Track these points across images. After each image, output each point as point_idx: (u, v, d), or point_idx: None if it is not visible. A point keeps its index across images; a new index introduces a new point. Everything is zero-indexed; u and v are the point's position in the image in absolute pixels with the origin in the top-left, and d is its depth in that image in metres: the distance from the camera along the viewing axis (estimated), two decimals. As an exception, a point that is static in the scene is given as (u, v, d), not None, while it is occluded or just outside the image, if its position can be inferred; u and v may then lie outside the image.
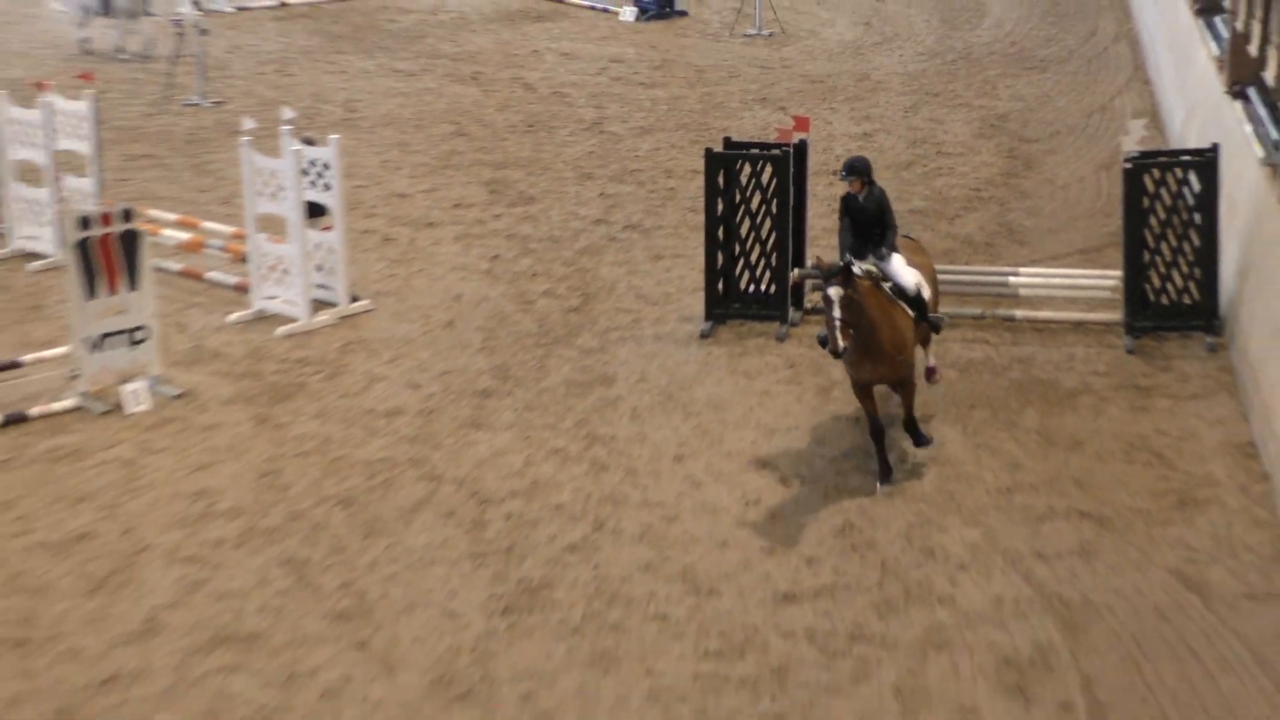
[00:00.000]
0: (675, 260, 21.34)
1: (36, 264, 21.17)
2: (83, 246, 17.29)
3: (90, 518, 15.32)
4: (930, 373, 16.69)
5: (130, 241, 17.54)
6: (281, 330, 19.29)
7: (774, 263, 19.03)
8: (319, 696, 12.72)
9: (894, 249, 15.69)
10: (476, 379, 18.04)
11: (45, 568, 14.52)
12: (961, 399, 17.33)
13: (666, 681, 12.79)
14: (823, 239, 20.48)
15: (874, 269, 15.33)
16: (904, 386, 15.42)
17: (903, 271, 15.54)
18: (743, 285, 19.22)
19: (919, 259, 16.31)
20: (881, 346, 14.96)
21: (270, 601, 13.99)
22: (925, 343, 16.45)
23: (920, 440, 15.76)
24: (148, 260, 17.71)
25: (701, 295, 19.46)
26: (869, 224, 15.57)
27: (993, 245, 21.71)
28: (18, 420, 17.14)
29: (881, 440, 15.36)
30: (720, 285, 19.27)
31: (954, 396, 17.38)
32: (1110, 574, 14.10)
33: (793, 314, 19.14)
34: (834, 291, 14.42)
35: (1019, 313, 19.26)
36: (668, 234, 22.27)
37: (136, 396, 17.49)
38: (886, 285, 15.31)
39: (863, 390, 15.32)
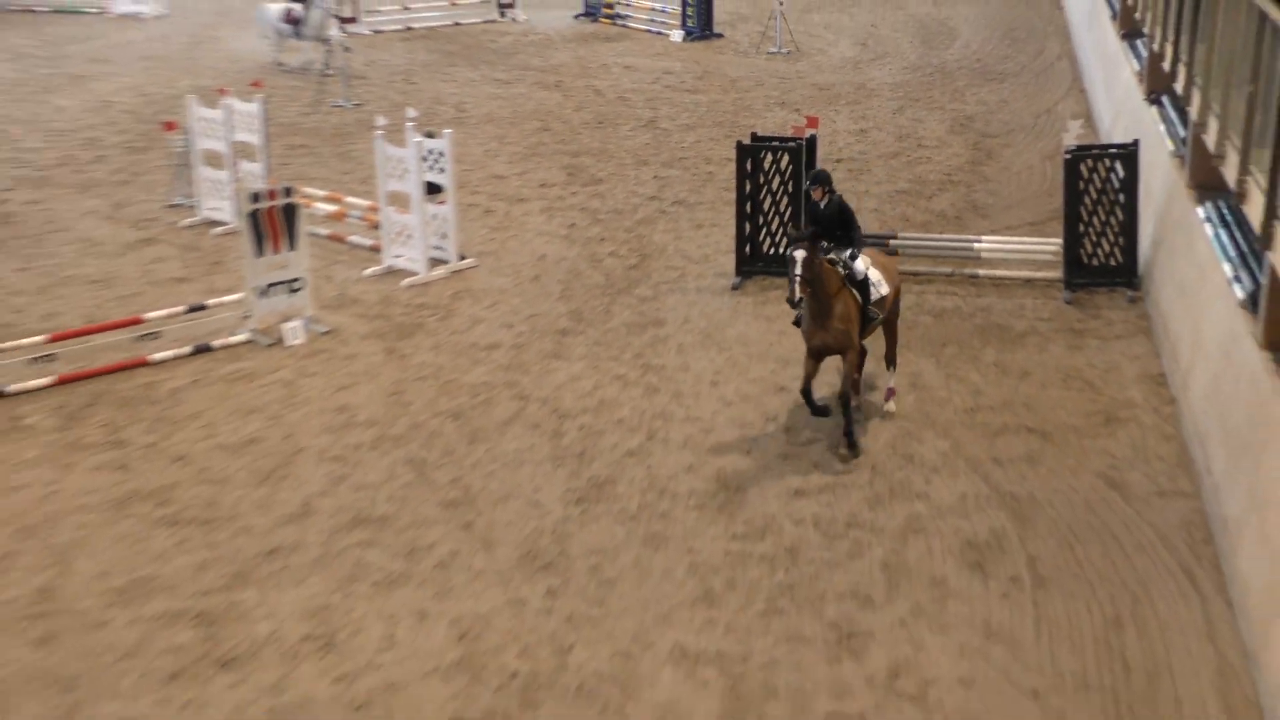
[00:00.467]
0: (712, 229, 21.20)
1: (219, 229, 21.17)
2: (254, 216, 17.32)
3: (259, 425, 15.35)
4: (889, 393, 15.44)
5: (290, 212, 17.54)
6: (406, 282, 19.27)
7: (790, 230, 18.91)
8: (434, 566, 12.74)
9: (860, 245, 14.81)
10: (556, 320, 17.97)
11: (225, 464, 14.57)
12: (935, 339, 17.18)
13: (703, 557, 12.76)
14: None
15: (835, 257, 14.57)
16: (845, 355, 14.41)
17: (858, 261, 14.63)
18: (765, 249, 19.09)
19: (888, 263, 15.32)
20: (832, 319, 14.23)
21: (396, 492, 14.01)
22: (891, 362, 15.51)
23: (850, 436, 14.45)
24: (303, 227, 17.71)
25: (733, 256, 19.34)
26: (830, 225, 14.70)
27: (961, 218, 21.49)
28: (204, 350, 17.18)
29: (809, 398, 14.41)
30: (747, 249, 19.17)
31: (929, 337, 17.23)
32: (1050, 476, 13.99)
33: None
34: (798, 253, 13.85)
35: (981, 271, 19.09)
36: (706, 208, 22.13)
37: (294, 332, 17.51)
38: (843, 272, 14.51)
39: (811, 355, 14.44)
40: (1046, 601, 12.02)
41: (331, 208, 20.99)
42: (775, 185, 18.95)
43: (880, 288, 14.77)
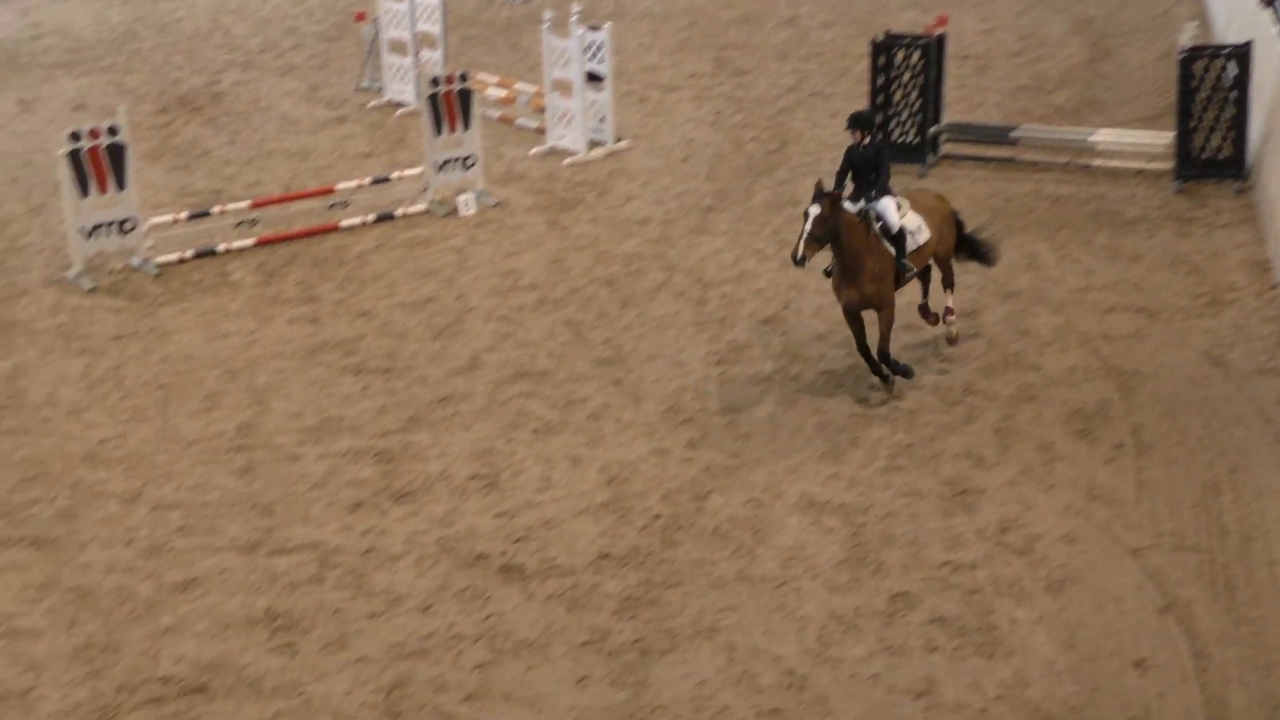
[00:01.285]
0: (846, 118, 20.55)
1: (402, 110, 21.03)
2: (433, 99, 17.13)
3: (434, 287, 15.29)
4: (948, 312, 13.46)
5: (465, 96, 17.31)
6: (568, 161, 19.00)
7: (919, 121, 18.26)
8: (587, 417, 12.62)
9: (885, 193, 12.64)
10: (702, 199, 17.59)
11: (404, 320, 14.55)
12: (1051, 223, 16.51)
13: (830, 417, 12.48)
14: (958, 105, 19.63)
15: (868, 209, 12.54)
16: (881, 312, 12.53)
17: (890, 211, 12.58)
18: (894, 137, 18.44)
19: (934, 204, 13.26)
20: (862, 274, 12.32)
21: (555, 349, 13.88)
22: (947, 285, 13.44)
23: (888, 371, 12.69)
24: (477, 109, 17.49)
25: (865, 143, 18.72)
26: (867, 171, 12.66)
27: (1078, 113, 20.56)
28: (387, 218, 17.13)
29: (868, 355, 12.66)
30: (880, 135, 18.52)
31: (1045, 221, 16.57)
32: (1156, 352, 13.42)
33: (930, 158, 18.37)
34: (813, 209, 11.99)
35: (1096, 162, 18.30)
36: (841, 99, 21.42)
37: (467, 204, 17.37)
38: (877, 225, 12.56)
39: (848, 314, 12.62)
40: (1148, 467, 11.57)
41: (502, 93, 20.70)
42: (906, 79, 18.26)
43: (919, 235, 12.82)
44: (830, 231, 12.14)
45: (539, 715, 8.94)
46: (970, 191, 17.49)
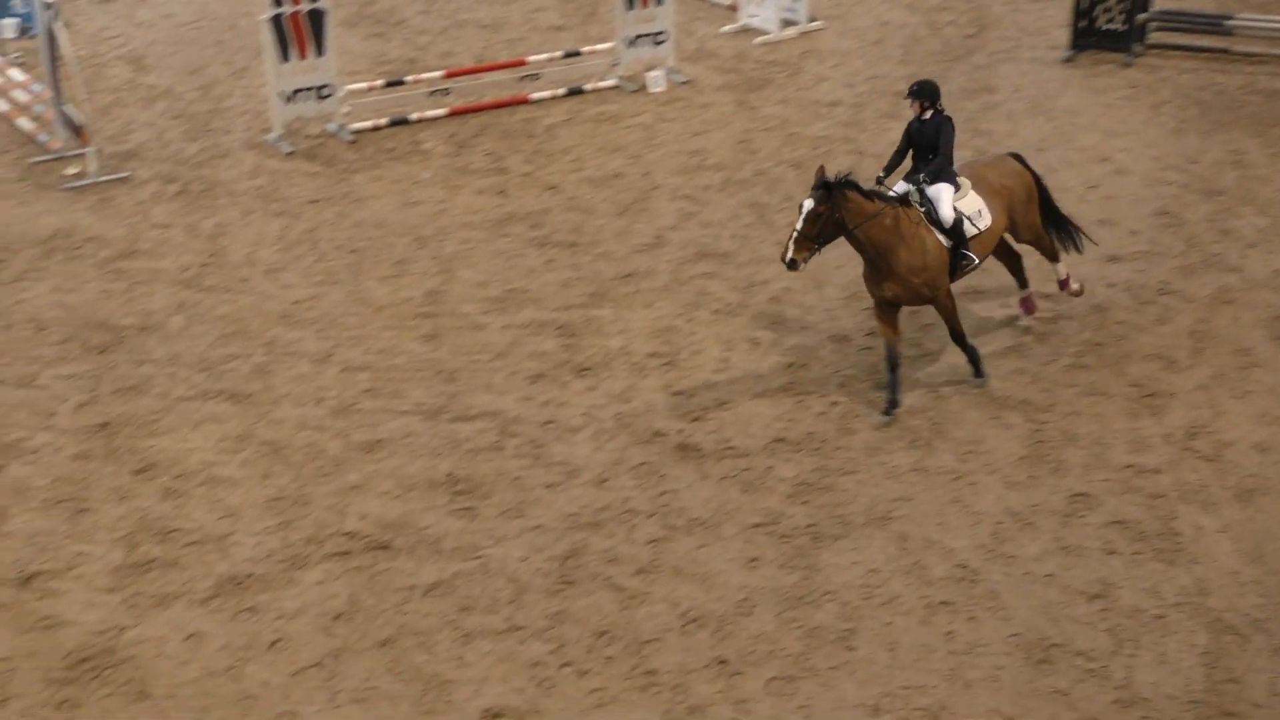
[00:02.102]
0: (1049, 2, 19.77)
1: (594, -16, 20.89)
2: (626, -28, 16.98)
3: (621, 162, 15.26)
4: (1063, 284, 11.99)
5: (658, -30, 17.12)
6: (758, 40, 18.68)
7: (1126, 7, 17.45)
8: (767, 299, 12.53)
9: (937, 177, 10.94)
10: (894, 83, 17.13)
11: (590, 195, 14.56)
12: (1264, 119, 15.70)
13: (1015, 311, 12.17)
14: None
15: (909, 193, 10.92)
16: (936, 305, 11.00)
17: (944, 201, 10.89)
18: (1099, 24, 17.67)
19: (1005, 180, 11.45)
20: (894, 267, 10.65)
21: (739, 231, 13.76)
22: (1053, 258, 11.88)
23: (976, 369, 11.20)
24: (670, -16, 17.28)
25: (1068, 30, 17.99)
26: (926, 149, 11.07)
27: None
28: (577, 92, 17.09)
29: (895, 370, 10.88)
30: (1084, 22, 17.78)
31: (1258, 116, 15.76)
32: (1367, 260, 12.76)
33: (1136, 48, 17.57)
34: (806, 204, 10.38)
35: (1315, 55, 17.30)
36: (1045, -18, 20.64)
37: (656, 80, 17.22)
38: (922, 211, 10.86)
39: (880, 310, 10.98)
40: (1351, 379, 11.07)
41: (695, -32, 20.40)
42: (1116, -38, 17.47)
43: (979, 220, 11.11)
44: (832, 228, 10.44)
45: (709, 593, 9.02)
46: (1178, 83, 16.73)
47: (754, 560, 9.32)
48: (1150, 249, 13.03)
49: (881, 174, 11.21)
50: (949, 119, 11.14)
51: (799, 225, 10.39)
